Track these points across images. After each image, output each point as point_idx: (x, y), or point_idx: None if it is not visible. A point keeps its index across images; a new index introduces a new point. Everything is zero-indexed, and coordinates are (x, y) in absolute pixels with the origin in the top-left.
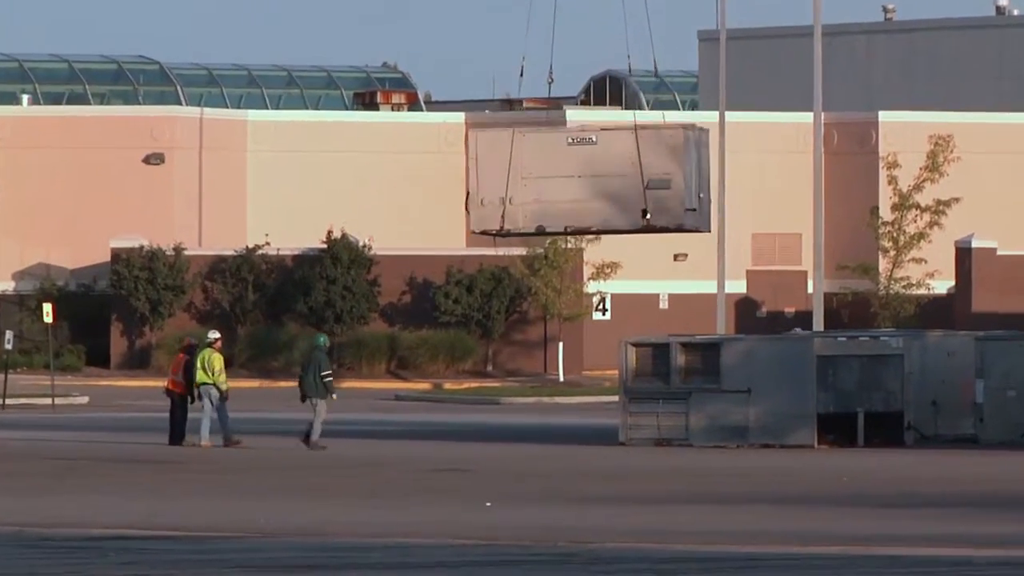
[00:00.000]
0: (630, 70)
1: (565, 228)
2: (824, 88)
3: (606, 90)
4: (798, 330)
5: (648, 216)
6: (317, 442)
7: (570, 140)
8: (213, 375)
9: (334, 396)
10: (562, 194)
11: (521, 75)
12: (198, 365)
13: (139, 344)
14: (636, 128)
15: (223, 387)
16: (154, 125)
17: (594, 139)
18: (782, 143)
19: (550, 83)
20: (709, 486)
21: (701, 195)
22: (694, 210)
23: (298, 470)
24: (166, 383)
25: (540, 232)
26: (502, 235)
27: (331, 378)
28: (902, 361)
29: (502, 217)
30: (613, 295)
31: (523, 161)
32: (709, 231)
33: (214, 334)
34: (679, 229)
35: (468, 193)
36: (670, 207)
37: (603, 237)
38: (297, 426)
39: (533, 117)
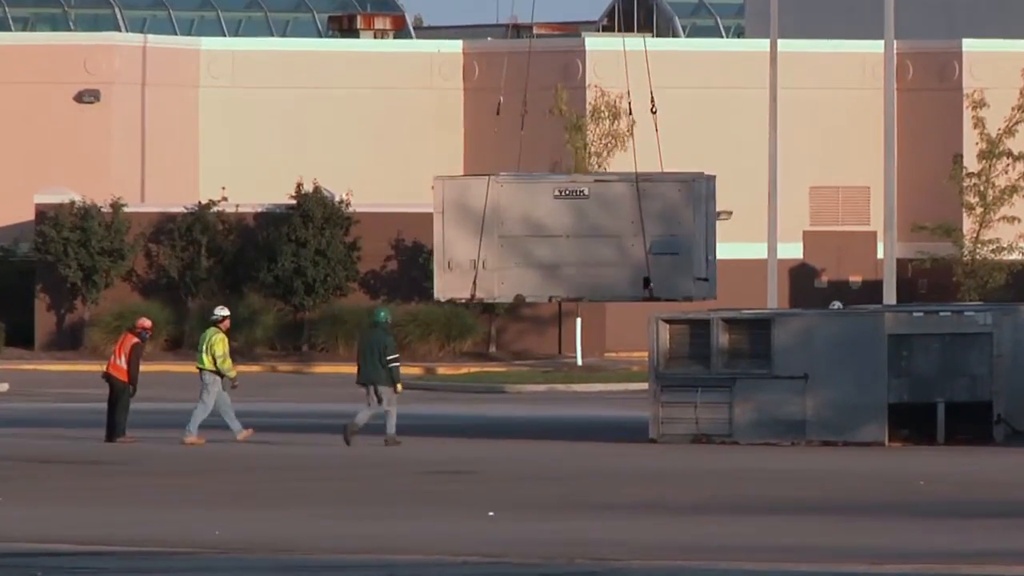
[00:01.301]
0: None
1: (550, 298)
2: (897, 11)
3: (634, 13)
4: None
5: (651, 286)
6: (393, 437)
7: (557, 192)
8: (216, 361)
9: (399, 387)
10: (547, 257)
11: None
12: (200, 347)
13: (69, 320)
14: (637, 181)
15: (230, 374)
16: (88, 56)
17: (586, 192)
18: (847, 78)
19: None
20: (758, 491)
21: (709, 257)
22: (705, 280)
23: (262, 473)
24: (105, 366)
25: (519, 302)
26: (472, 303)
27: (398, 363)
28: (991, 341)
29: (473, 284)
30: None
31: (500, 216)
32: (715, 299)
33: (222, 311)
34: (686, 299)
35: (431, 253)
36: (677, 276)
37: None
38: (262, 418)
39: (545, 44)
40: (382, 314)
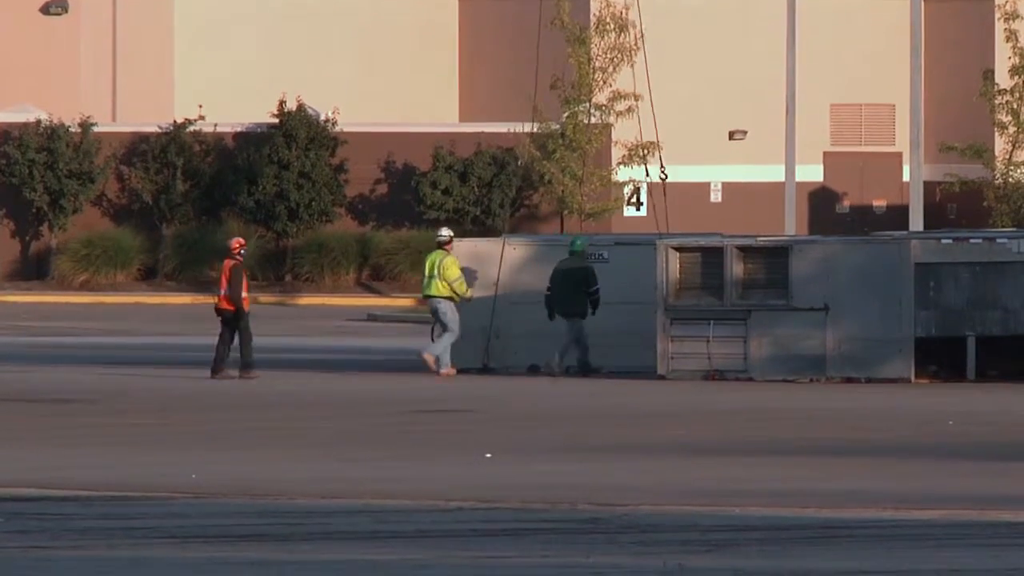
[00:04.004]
0: None
1: (567, 369)
2: None
3: None
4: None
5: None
6: (559, 363)
7: None
8: (453, 285)
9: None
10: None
11: None
12: (426, 272)
13: (35, 248)
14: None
15: (467, 295)
16: None
17: (606, 256)
18: None
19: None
20: (775, 432)
21: None
22: None
23: (243, 412)
24: (216, 301)
25: (533, 372)
26: (485, 372)
27: (599, 294)
28: None
29: (485, 352)
30: (650, 184)
31: (514, 281)
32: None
33: (449, 232)
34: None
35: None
36: None
37: (637, 109)
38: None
39: None
40: (578, 242)
